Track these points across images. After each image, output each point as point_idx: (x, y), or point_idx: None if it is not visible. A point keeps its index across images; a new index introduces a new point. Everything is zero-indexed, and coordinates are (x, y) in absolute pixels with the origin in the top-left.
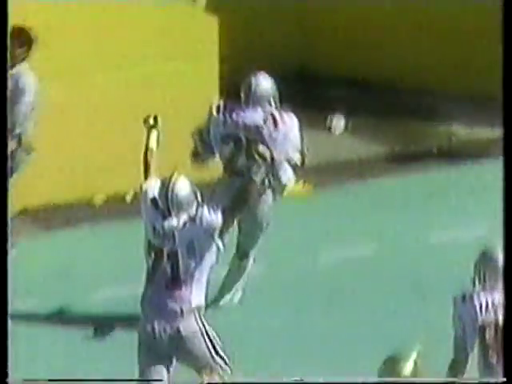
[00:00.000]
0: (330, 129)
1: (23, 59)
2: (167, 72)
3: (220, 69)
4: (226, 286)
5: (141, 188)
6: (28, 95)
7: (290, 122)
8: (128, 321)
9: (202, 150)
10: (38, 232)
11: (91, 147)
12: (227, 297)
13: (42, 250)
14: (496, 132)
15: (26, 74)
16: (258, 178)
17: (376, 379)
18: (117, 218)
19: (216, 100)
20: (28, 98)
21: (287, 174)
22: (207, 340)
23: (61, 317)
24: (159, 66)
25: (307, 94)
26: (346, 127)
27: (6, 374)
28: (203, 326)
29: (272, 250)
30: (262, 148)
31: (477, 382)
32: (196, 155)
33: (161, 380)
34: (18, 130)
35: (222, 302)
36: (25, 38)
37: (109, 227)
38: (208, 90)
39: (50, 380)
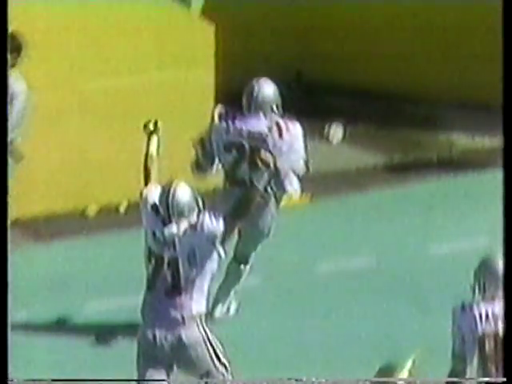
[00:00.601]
0: (327, 138)
1: (13, 65)
2: (163, 79)
3: (216, 76)
4: (222, 292)
5: (141, 194)
6: (18, 102)
7: (294, 131)
8: (125, 331)
9: (203, 160)
10: (29, 243)
11: (84, 157)
12: (222, 305)
13: (33, 262)
14: (496, 141)
15: (15, 81)
16: (260, 186)
17: (375, 379)
18: (110, 229)
19: (212, 107)
20: (18, 105)
21: (293, 184)
22: (210, 347)
23: (53, 328)
24: (155, 72)
25: (305, 102)
26: (344, 136)
27: (6, 375)
28: (205, 333)
29: (269, 260)
30: (265, 155)
31: (477, 382)
32: (198, 166)
33: (162, 380)
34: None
35: (217, 312)
36: (15, 44)
37: (102, 238)
38: (204, 97)
39: (51, 380)
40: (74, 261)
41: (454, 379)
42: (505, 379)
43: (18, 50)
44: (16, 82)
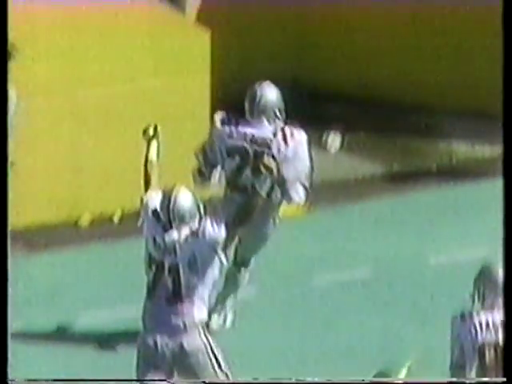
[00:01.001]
0: (325, 146)
1: None
2: (158, 85)
3: (212, 82)
4: (219, 300)
5: (141, 200)
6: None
7: (299, 138)
8: (120, 341)
9: (205, 167)
10: (22, 254)
11: (77, 166)
12: (218, 315)
13: (26, 272)
14: (496, 150)
15: None
16: (263, 192)
17: (375, 379)
18: (104, 239)
19: (208, 113)
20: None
21: (299, 193)
22: (211, 355)
23: (48, 339)
24: (150, 79)
25: (302, 109)
26: (343, 145)
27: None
28: (207, 340)
29: (265, 271)
30: (268, 160)
31: (477, 381)
32: (200, 174)
33: (163, 380)
34: None
35: (214, 323)
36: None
37: (96, 248)
38: (200, 103)
39: (52, 380)
40: (67, 271)
41: (454, 380)
42: (505, 379)
43: (9, 56)
44: None
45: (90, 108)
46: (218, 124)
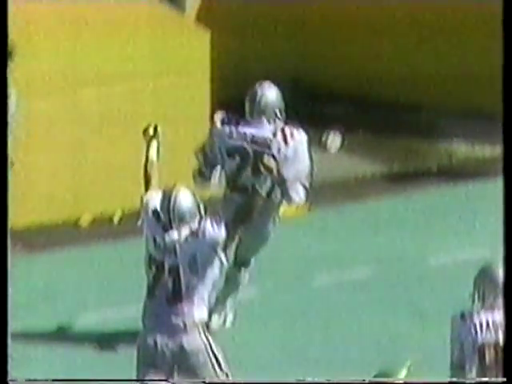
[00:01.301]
0: (325, 146)
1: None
2: (158, 85)
3: (212, 81)
4: (219, 300)
5: (141, 200)
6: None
7: (299, 138)
8: (118, 341)
9: (205, 167)
10: (22, 254)
11: (76, 166)
12: (219, 315)
13: (25, 273)
14: (496, 150)
15: None
16: (263, 191)
17: (375, 379)
18: (104, 239)
19: (208, 113)
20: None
21: (299, 193)
22: (211, 356)
23: (47, 339)
24: (150, 79)
25: (302, 109)
26: (343, 145)
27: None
28: (208, 341)
29: (266, 272)
30: (268, 160)
31: (477, 381)
32: (200, 174)
33: (164, 380)
34: None
35: (214, 323)
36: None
37: (95, 248)
38: (200, 103)
39: (52, 380)
40: (67, 271)
41: (454, 380)
42: (505, 379)
43: (8, 55)
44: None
45: (90, 108)
46: (218, 124)
